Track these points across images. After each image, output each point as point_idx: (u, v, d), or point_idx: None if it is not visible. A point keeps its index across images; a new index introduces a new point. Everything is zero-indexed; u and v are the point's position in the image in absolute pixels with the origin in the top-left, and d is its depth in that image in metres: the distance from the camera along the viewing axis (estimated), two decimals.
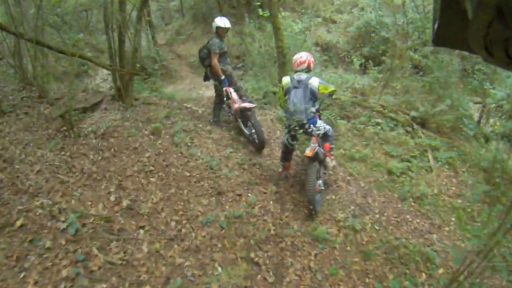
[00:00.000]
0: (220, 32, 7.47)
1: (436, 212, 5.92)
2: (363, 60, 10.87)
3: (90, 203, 5.08)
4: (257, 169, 6.56)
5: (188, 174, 6.12)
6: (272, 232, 5.08)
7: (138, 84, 11.95)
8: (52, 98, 8.11)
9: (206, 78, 7.95)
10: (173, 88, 13.73)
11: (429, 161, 7.17)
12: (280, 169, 6.37)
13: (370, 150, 7.28)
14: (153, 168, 6.13)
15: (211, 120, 8.01)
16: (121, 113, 7.76)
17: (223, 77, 7.30)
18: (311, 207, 5.15)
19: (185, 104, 9.18)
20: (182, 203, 5.37)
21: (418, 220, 5.70)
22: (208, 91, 11.02)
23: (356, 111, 8.59)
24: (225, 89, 7.41)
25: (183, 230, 4.89)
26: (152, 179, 5.82)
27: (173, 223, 4.98)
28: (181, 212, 5.19)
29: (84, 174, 5.70)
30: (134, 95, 9.06)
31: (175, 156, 6.61)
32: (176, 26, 17.94)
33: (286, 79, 5.74)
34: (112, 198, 5.23)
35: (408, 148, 7.42)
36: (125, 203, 5.14)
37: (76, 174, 5.68)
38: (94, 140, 6.77)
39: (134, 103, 8.34)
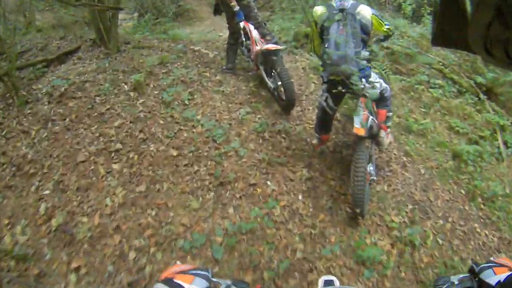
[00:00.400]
0: None
1: (507, 222, 4.46)
2: (415, 5, 9.11)
3: (6, 222, 2.93)
4: (282, 140, 4.64)
5: (175, 153, 3.87)
6: (299, 255, 3.26)
7: (144, 26, 9.80)
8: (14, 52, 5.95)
9: (216, 11, 5.99)
10: (189, 31, 11.38)
11: (499, 147, 5.53)
12: (315, 141, 4.63)
13: (431, 121, 5.55)
14: (121, 146, 3.94)
15: (224, 68, 5.98)
16: (99, 63, 5.54)
17: (237, 7, 5.28)
18: (357, 210, 3.53)
19: (192, 47, 6.76)
20: (155, 211, 3.13)
21: (487, 232, 4.25)
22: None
23: (410, 66, 6.66)
24: (243, 25, 5.44)
25: (147, 270, 2.63)
26: (115, 166, 3.61)
27: (131, 255, 2.72)
28: (149, 231, 2.93)
29: (13, 166, 3.55)
30: (124, 37, 6.72)
31: (161, 122, 4.37)
32: None
33: (320, 9, 3.89)
34: (41, 209, 3.05)
35: (476, 124, 5.73)
36: (57, 219, 2.93)
37: (3, 167, 3.55)
38: (46, 107, 4.63)
39: (121, 48, 6.02)
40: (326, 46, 3.67)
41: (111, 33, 5.88)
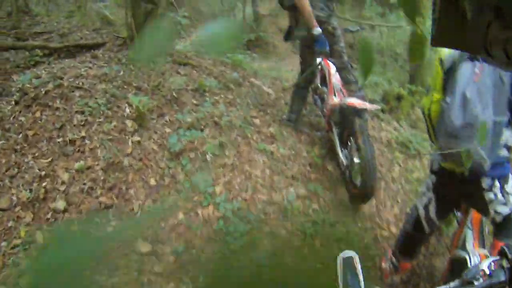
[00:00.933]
0: None
1: None
2: None
3: None
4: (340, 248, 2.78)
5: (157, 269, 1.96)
6: None
7: None
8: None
9: (288, 35, 4.08)
10: (266, 66, 9.97)
11: None
12: (386, 266, 2.84)
13: None
14: (62, 205, 2.15)
15: (284, 118, 4.12)
16: (111, 67, 3.84)
17: (317, 29, 3.35)
18: None
19: (252, 80, 5.00)
20: None
21: None
22: None
23: None
24: (320, 62, 3.75)
25: None
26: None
27: None
28: None
29: None
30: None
31: (150, 183, 2.55)
32: None
33: (448, 51, 2.07)
34: None
35: None
36: None
37: None
38: (7, 108, 3.09)
39: (153, 57, 4.32)
40: (447, 101, 2.03)
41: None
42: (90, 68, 3.82)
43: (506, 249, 1.28)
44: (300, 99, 3.97)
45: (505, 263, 1.27)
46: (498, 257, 1.34)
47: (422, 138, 4.40)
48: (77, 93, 3.36)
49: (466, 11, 0.52)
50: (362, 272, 1.77)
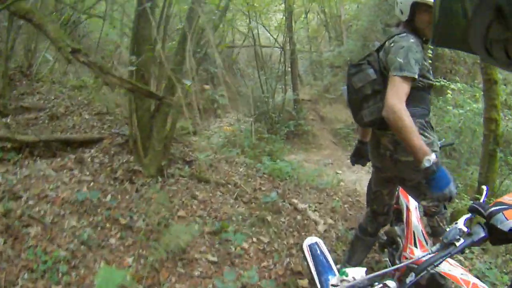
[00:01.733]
0: (423, 21, 2.08)
1: None
2: None
3: None
4: None
5: None
6: None
7: (245, 138, 7.52)
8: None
9: (357, 156, 2.70)
10: (304, 158, 9.35)
11: None
12: None
13: None
14: None
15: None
16: (99, 187, 2.66)
17: (429, 157, 1.74)
18: None
19: (294, 201, 3.74)
20: None
21: None
22: (354, 176, 7.69)
23: None
24: (410, 205, 2.53)
25: None
26: None
27: None
28: None
29: None
30: (187, 148, 4.11)
31: None
32: (326, 82, 13.81)
33: None
34: None
35: None
36: None
37: None
38: None
39: (169, 170, 3.24)
40: None
41: (151, 139, 3.14)
42: (65, 183, 2.62)
43: (477, 206, 1.35)
44: (364, 249, 2.64)
45: (480, 219, 1.32)
46: (470, 215, 1.40)
47: None
48: (32, 230, 2.15)
49: (467, 11, 0.52)
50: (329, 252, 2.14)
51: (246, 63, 15.30)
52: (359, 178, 8.77)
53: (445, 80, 8.89)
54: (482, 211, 1.32)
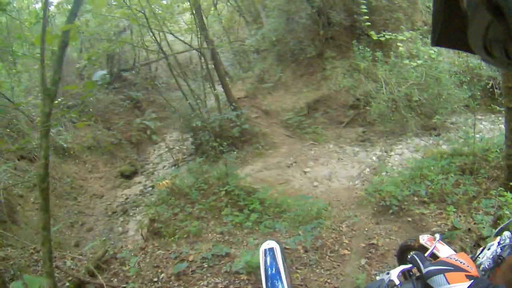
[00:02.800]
0: None
1: None
2: None
3: None
4: None
5: None
6: None
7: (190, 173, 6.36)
8: None
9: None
10: (263, 165, 8.56)
11: None
12: None
13: None
14: None
15: None
16: None
17: None
18: None
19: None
20: None
21: None
22: (325, 169, 7.52)
23: None
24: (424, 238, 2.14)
25: None
26: None
27: None
28: None
29: None
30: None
31: None
32: (257, 71, 12.79)
33: None
34: None
35: None
36: None
37: None
38: None
39: None
40: None
41: None
42: None
43: (417, 258, 1.19)
44: None
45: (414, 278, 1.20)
46: (409, 266, 1.26)
47: None
48: None
49: (467, 11, 0.53)
50: (284, 260, 2.14)
51: (168, 74, 13.84)
52: (332, 170, 7.79)
53: (390, 33, 8.18)
54: (421, 266, 1.14)
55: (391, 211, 4.91)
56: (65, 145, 9.60)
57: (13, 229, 7.10)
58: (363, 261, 4.01)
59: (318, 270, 3.86)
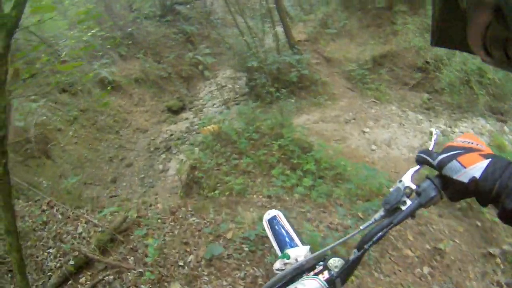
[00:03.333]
0: None
1: None
2: None
3: None
4: None
5: None
6: None
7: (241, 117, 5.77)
8: None
9: None
10: (320, 116, 7.83)
11: None
12: None
13: None
14: None
15: None
16: None
17: None
18: None
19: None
20: None
21: None
22: (385, 133, 6.82)
23: None
24: None
25: None
26: None
27: None
28: None
29: None
30: None
31: None
32: (320, 15, 11.67)
33: None
34: None
35: None
36: None
37: None
38: None
39: None
40: None
41: None
42: None
43: (423, 154, 1.09)
44: None
45: (430, 174, 1.09)
46: (418, 167, 1.16)
47: None
48: None
49: (466, 11, 0.53)
50: (291, 224, 2.09)
51: (224, 10, 12.95)
52: (393, 135, 6.94)
53: None
54: (430, 160, 1.04)
55: (458, 205, 4.20)
56: (110, 78, 9.20)
57: (48, 164, 6.88)
58: (426, 270, 3.37)
59: (377, 273, 3.20)
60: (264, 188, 4.72)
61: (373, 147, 6.76)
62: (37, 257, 3.38)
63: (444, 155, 0.99)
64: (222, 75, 10.98)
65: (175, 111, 9.39)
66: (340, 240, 1.27)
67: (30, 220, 3.79)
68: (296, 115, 7.58)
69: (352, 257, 1.19)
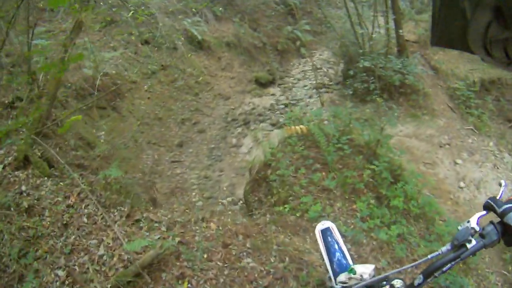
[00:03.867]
0: None
1: None
2: None
3: None
4: None
5: None
6: None
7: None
8: None
9: None
10: (413, 131, 7.24)
11: None
12: None
13: None
14: None
15: None
16: None
17: None
18: None
19: None
20: None
21: None
22: (477, 171, 6.33)
23: None
24: None
25: None
26: None
27: None
28: None
29: None
30: None
31: None
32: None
33: None
34: None
35: None
36: None
37: None
38: None
39: None
40: None
41: None
42: None
43: (491, 202, 1.27)
44: None
45: (494, 220, 1.26)
46: (484, 212, 1.33)
47: None
48: None
49: (466, 11, 0.53)
50: (343, 239, 2.14)
51: None
52: (484, 176, 6.20)
53: None
54: (496, 208, 1.25)
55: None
56: (200, 37, 9.00)
57: (113, 116, 6.82)
58: None
59: None
60: (342, 215, 4.14)
61: (462, 184, 6.18)
62: (43, 277, 2.80)
63: (509, 205, 1.16)
64: (318, 56, 10.47)
65: (263, 84, 9.07)
66: (408, 266, 1.47)
67: (49, 219, 3.19)
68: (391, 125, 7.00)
69: (417, 281, 1.30)
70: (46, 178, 3.62)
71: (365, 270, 1.48)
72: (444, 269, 1.25)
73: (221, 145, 7.28)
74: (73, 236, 3.09)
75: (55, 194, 3.44)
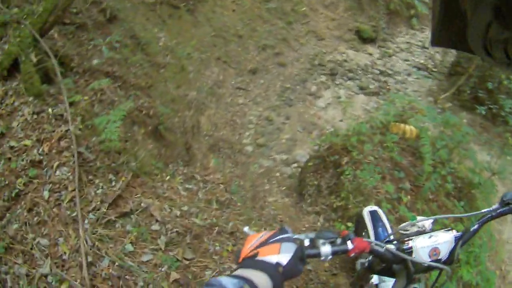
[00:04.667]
0: None
1: None
2: None
3: None
4: None
5: None
6: None
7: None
8: None
9: None
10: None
11: None
12: None
13: None
14: None
15: None
16: None
17: None
18: None
19: None
20: None
21: None
22: None
23: None
24: None
25: None
26: None
27: None
28: None
29: None
30: None
31: None
32: None
33: None
34: None
35: None
36: None
37: None
38: None
39: None
40: None
41: None
42: None
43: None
44: None
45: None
46: (498, 207, 1.42)
47: None
48: None
49: (466, 11, 0.52)
50: (388, 221, 2.28)
51: None
52: None
53: None
54: None
55: None
56: None
57: (184, 19, 5.98)
58: None
59: None
60: None
61: None
62: None
63: None
64: (427, 34, 9.41)
65: (363, 39, 8.09)
66: (466, 214, 1.71)
67: None
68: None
69: (473, 227, 1.38)
70: (30, 99, 2.70)
71: (426, 222, 1.51)
72: (494, 214, 1.36)
73: (298, 88, 6.54)
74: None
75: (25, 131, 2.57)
